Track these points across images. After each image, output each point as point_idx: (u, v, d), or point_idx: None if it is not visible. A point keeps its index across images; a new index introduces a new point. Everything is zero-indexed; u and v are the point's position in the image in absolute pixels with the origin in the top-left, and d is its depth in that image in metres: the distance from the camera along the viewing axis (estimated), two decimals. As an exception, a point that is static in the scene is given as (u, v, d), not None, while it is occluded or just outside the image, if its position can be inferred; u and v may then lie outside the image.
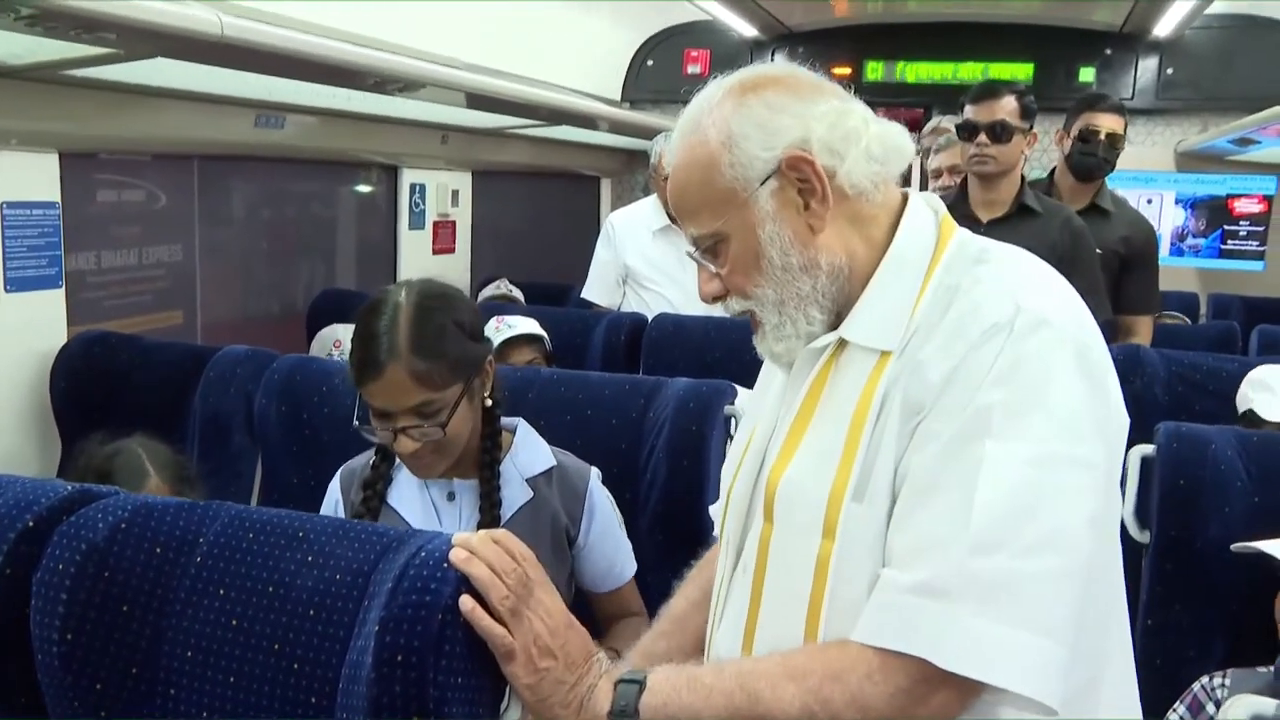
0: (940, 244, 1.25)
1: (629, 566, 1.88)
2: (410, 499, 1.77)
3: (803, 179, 1.21)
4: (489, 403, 1.74)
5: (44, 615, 1.21)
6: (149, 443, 2.08)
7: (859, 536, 1.16)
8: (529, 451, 1.80)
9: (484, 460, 1.75)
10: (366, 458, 1.82)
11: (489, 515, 1.73)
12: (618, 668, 1.22)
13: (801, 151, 1.21)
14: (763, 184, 1.22)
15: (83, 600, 1.20)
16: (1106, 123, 3.31)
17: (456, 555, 1.14)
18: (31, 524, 1.25)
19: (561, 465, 1.80)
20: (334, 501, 1.83)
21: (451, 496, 1.76)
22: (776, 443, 1.29)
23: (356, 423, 1.68)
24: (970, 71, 5.57)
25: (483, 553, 1.15)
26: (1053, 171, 3.48)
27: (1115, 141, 3.32)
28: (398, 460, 1.76)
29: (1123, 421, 1.20)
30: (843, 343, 1.24)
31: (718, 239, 1.26)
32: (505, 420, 1.81)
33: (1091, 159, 3.31)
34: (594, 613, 1.85)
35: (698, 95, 1.29)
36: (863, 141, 1.23)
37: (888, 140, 1.25)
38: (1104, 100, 3.39)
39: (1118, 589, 1.24)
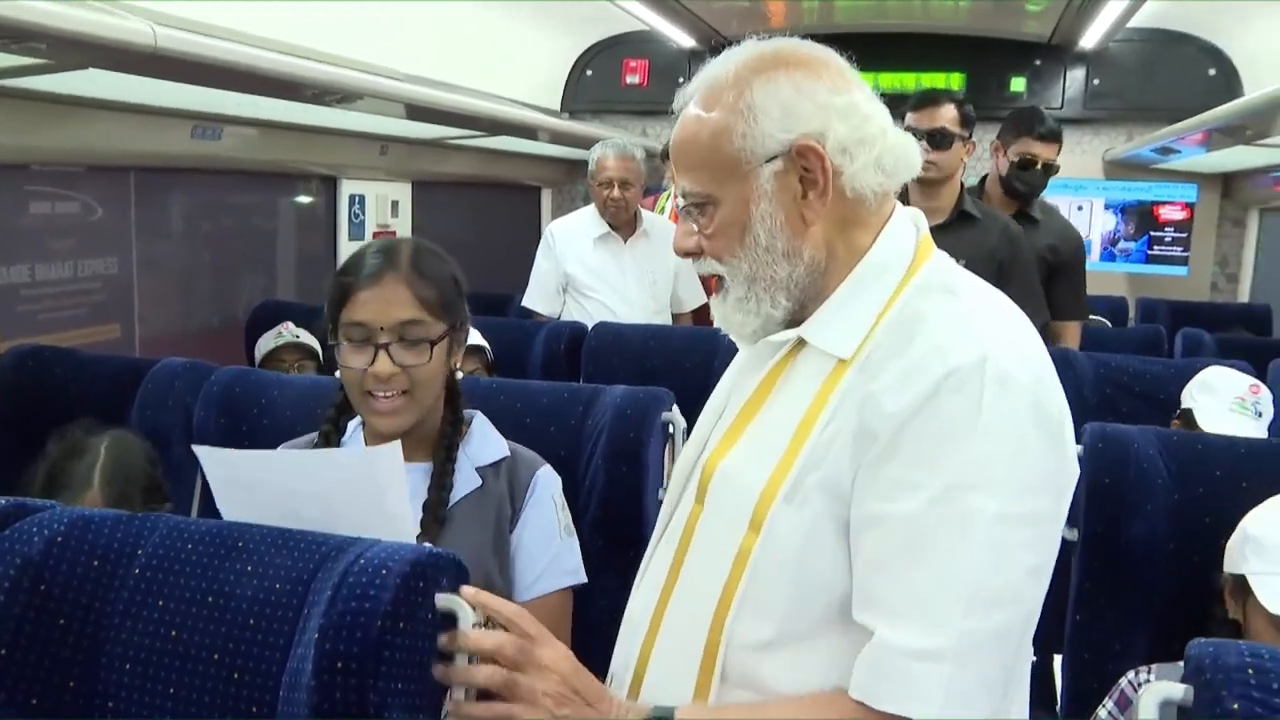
0: (914, 264, 1.25)
1: (559, 579, 1.73)
2: None
3: (808, 169, 1.21)
4: (458, 373, 1.72)
5: (-23, 629, 1.20)
6: (126, 443, 2.06)
7: (784, 537, 1.17)
8: (483, 441, 1.76)
9: (443, 441, 1.71)
10: (308, 440, 1.78)
11: (436, 497, 1.66)
12: (634, 705, 1.23)
13: (815, 143, 1.21)
14: (768, 162, 1.21)
15: (17, 615, 1.20)
16: (1045, 152, 3.38)
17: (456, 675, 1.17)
18: (-35, 538, 1.24)
19: (514, 456, 1.76)
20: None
21: None
22: (720, 429, 1.32)
23: (335, 345, 1.65)
24: (902, 80, 5.63)
25: (474, 646, 1.17)
26: (984, 179, 3.56)
27: (1050, 170, 3.41)
28: (343, 444, 1.72)
29: (1074, 473, 1.21)
30: (800, 342, 1.25)
31: (708, 201, 1.25)
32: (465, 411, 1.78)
33: (1025, 187, 3.39)
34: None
35: (728, 51, 1.28)
36: (875, 150, 1.23)
37: (899, 152, 1.25)
38: (1042, 125, 3.43)
39: (1035, 616, 1.25)
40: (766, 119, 1.21)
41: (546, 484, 1.76)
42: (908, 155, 1.26)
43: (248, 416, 2.13)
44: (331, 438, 1.74)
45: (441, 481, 1.68)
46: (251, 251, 4.15)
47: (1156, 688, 1.06)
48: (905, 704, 1.09)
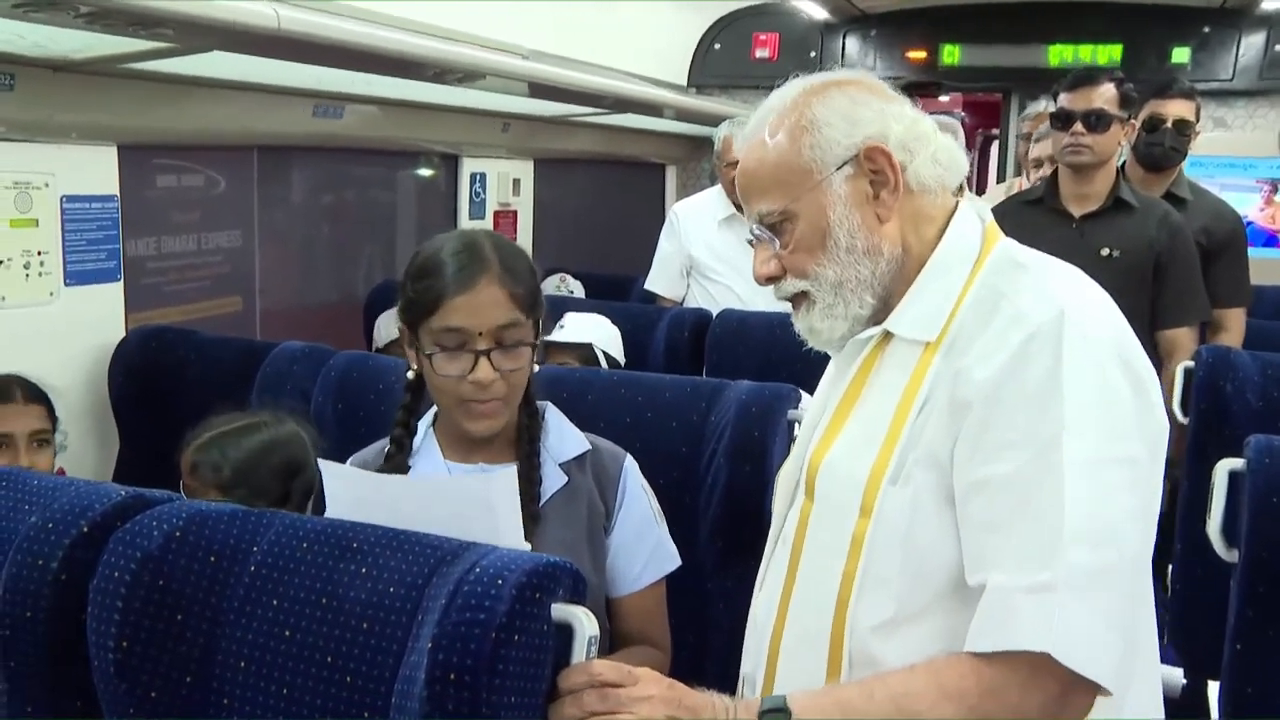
0: (985, 249, 1.32)
1: (661, 565, 1.71)
2: None
3: (876, 170, 1.29)
4: (536, 367, 1.66)
5: (100, 623, 1.21)
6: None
7: (893, 517, 1.23)
8: (561, 435, 1.70)
9: (524, 437, 1.65)
10: (379, 448, 1.72)
11: (528, 498, 1.60)
12: (745, 702, 1.20)
13: (879, 143, 1.29)
14: (839, 169, 1.29)
15: (138, 609, 1.20)
16: (1173, 109, 3.20)
17: None
18: (86, 529, 1.25)
19: (596, 449, 1.70)
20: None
21: None
22: (821, 426, 1.38)
23: (424, 354, 1.58)
24: (1055, 55, 5.30)
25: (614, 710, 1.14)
26: (1122, 166, 3.36)
27: (1184, 128, 3.20)
28: (415, 447, 1.67)
29: (1163, 423, 1.25)
30: (887, 335, 1.32)
31: (785, 217, 1.32)
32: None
33: (1158, 148, 3.20)
34: (610, 625, 1.67)
35: (776, 90, 1.37)
36: (931, 146, 1.33)
37: (952, 151, 1.35)
38: (1170, 86, 3.27)
39: (1149, 589, 1.29)
40: (830, 129, 1.30)
41: (634, 475, 1.72)
42: (956, 155, 1.36)
43: (365, 402, 2.13)
44: (405, 443, 1.67)
45: (531, 480, 1.62)
46: (372, 229, 4.20)
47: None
48: (1017, 638, 1.13)
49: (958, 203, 1.36)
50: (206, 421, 2.04)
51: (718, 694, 1.20)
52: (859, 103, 1.31)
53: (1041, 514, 1.14)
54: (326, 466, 1.47)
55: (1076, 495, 1.14)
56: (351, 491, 1.41)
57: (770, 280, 1.36)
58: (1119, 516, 1.16)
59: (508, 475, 1.33)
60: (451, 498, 1.38)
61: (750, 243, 1.39)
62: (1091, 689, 1.14)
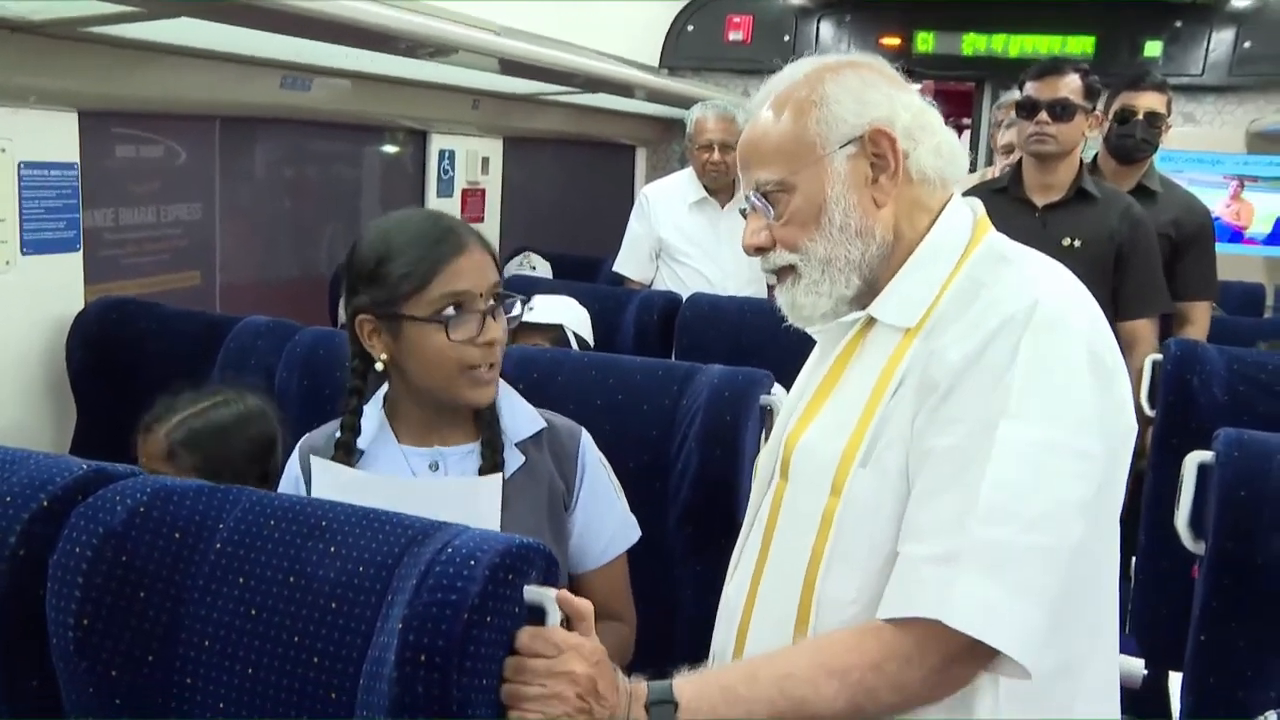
0: (973, 241, 1.34)
1: (624, 539, 1.71)
2: (387, 471, 1.63)
3: (878, 153, 1.31)
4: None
5: (60, 599, 1.18)
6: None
7: (862, 498, 1.25)
8: (514, 414, 1.67)
9: (484, 417, 1.62)
10: (328, 431, 1.68)
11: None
12: (640, 684, 1.20)
13: (886, 127, 1.30)
14: (842, 147, 1.31)
15: (99, 585, 1.18)
16: (1144, 101, 3.21)
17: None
18: (46, 504, 1.23)
19: (551, 426, 1.68)
20: (293, 478, 1.65)
21: (435, 465, 1.63)
22: (799, 409, 1.40)
23: (424, 325, 1.54)
24: (1028, 44, 5.34)
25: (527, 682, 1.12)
26: (1095, 157, 3.38)
27: (1155, 120, 3.21)
28: (367, 430, 1.64)
29: (1130, 423, 1.27)
30: (870, 320, 1.33)
31: (783, 189, 1.33)
32: None
33: (1129, 140, 3.21)
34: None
35: (791, 64, 1.39)
36: (936, 138, 1.34)
37: (954, 147, 1.37)
38: (1143, 78, 3.28)
39: (1107, 581, 1.30)
40: (840, 106, 1.31)
41: (591, 449, 1.71)
42: (959, 151, 1.37)
43: (330, 379, 2.10)
44: (355, 425, 1.63)
45: (494, 462, 1.60)
46: (337, 205, 4.14)
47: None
48: (914, 604, 1.16)
49: (951, 196, 1.37)
50: (164, 401, 1.98)
51: (639, 681, 1.19)
52: (870, 85, 1.33)
53: (964, 488, 1.17)
54: (317, 463, 1.53)
55: (1001, 476, 1.16)
56: (337, 486, 1.43)
57: (759, 251, 1.37)
58: (1058, 503, 1.17)
59: (493, 481, 1.39)
60: (440, 498, 1.42)
61: (743, 212, 1.40)
62: (977, 660, 1.16)
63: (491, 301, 1.57)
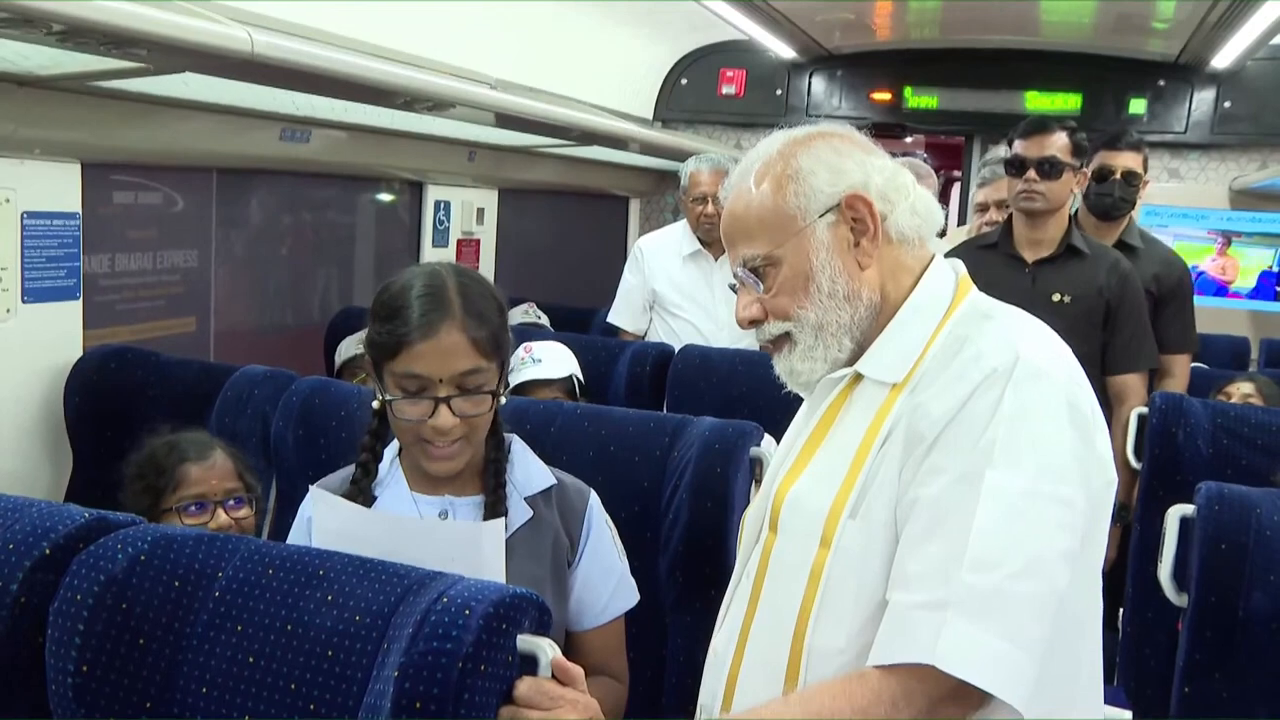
0: (956, 299, 1.38)
1: (622, 600, 1.71)
2: None
3: (857, 218, 1.35)
4: (503, 400, 1.64)
5: (60, 646, 1.20)
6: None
7: (851, 548, 1.28)
8: (527, 468, 1.69)
9: (490, 470, 1.64)
10: (343, 475, 1.70)
11: None
12: None
13: (861, 192, 1.35)
14: (821, 216, 1.35)
15: (99, 632, 1.19)
16: (1121, 161, 3.26)
17: None
18: (49, 551, 1.24)
19: (561, 484, 1.70)
20: (305, 521, 1.65)
21: (444, 515, 1.65)
22: (788, 462, 1.42)
23: (385, 399, 1.56)
24: (1016, 101, 5.38)
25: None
26: (1075, 214, 3.43)
27: (1132, 179, 3.27)
28: (380, 476, 1.66)
29: (1109, 475, 1.30)
30: (857, 376, 1.37)
31: (769, 262, 1.37)
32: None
33: (1108, 199, 3.26)
34: (572, 659, 1.70)
35: (763, 140, 1.44)
36: (910, 197, 1.39)
37: (929, 203, 1.41)
38: (1119, 137, 3.33)
39: (1090, 631, 1.33)
40: (815, 178, 1.36)
41: (598, 511, 1.72)
42: (933, 207, 1.42)
43: (326, 429, 2.11)
44: (371, 469, 1.66)
45: (496, 513, 1.61)
46: (333, 255, 4.15)
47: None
48: (905, 651, 1.18)
49: (933, 255, 1.42)
50: (167, 439, 2.05)
51: None
52: (842, 153, 1.37)
53: (952, 536, 1.19)
54: (318, 495, 1.51)
55: (988, 525, 1.19)
56: (339, 523, 1.43)
57: (753, 324, 1.41)
58: (1044, 550, 1.20)
59: (496, 525, 1.38)
60: (442, 539, 1.41)
61: (732, 288, 1.43)
62: (964, 705, 1.18)
63: (454, 389, 1.55)
